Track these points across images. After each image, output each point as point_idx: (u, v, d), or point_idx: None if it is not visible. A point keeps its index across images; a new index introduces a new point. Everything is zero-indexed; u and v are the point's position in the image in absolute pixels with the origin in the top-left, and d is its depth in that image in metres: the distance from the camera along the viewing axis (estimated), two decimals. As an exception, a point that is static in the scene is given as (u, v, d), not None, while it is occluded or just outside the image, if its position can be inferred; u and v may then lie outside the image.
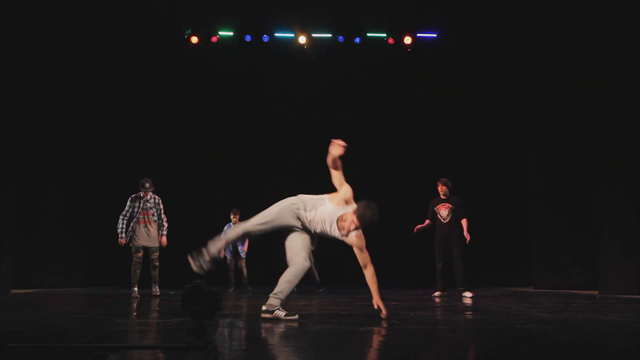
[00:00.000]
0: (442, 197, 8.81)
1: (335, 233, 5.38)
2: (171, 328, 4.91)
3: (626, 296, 8.58)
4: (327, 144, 5.23)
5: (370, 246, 5.41)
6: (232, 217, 10.77)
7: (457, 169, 11.61)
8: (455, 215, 8.72)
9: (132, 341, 4.22)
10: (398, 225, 11.03)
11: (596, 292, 9.29)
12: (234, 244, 10.66)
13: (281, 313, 5.26)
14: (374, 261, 5.42)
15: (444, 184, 8.81)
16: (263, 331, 4.74)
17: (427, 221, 8.84)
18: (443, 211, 8.74)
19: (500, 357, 3.63)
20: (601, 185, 9.52)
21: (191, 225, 10.69)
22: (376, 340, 4.29)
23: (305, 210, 5.39)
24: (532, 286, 10.85)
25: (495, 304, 7.25)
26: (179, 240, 8.83)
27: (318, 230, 5.42)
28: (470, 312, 6.33)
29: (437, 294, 8.59)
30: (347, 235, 5.34)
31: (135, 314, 6.30)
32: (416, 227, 8.88)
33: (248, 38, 11.84)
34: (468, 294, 8.41)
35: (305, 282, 11.12)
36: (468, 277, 8.71)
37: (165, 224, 8.65)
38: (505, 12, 10.76)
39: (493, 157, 11.79)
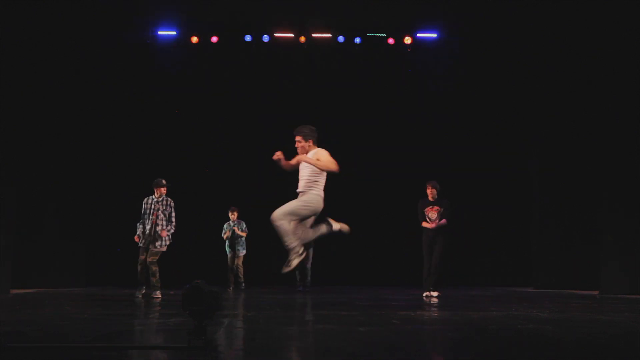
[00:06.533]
0: (430, 199, 8.80)
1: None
2: (171, 328, 4.91)
3: (626, 296, 8.59)
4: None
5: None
6: (230, 215, 10.77)
7: (458, 169, 11.58)
8: (442, 218, 8.73)
9: (133, 341, 4.22)
10: (397, 226, 11.02)
11: (596, 292, 9.30)
12: (232, 243, 10.70)
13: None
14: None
15: (433, 187, 8.81)
16: (263, 331, 4.74)
17: (424, 223, 8.81)
18: (432, 214, 8.74)
19: (500, 357, 3.63)
20: (601, 185, 9.52)
21: (191, 225, 10.67)
22: (376, 340, 4.29)
23: None
24: (532, 286, 10.85)
25: (495, 304, 7.25)
26: (178, 240, 8.82)
27: None
28: (470, 312, 6.33)
29: (426, 294, 8.62)
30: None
31: (135, 314, 6.30)
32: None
33: (248, 38, 11.83)
34: (435, 294, 8.51)
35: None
36: (441, 279, 8.75)
37: (172, 222, 8.50)
38: (505, 12, 10.75)
39: (494, 157, 11.77)
